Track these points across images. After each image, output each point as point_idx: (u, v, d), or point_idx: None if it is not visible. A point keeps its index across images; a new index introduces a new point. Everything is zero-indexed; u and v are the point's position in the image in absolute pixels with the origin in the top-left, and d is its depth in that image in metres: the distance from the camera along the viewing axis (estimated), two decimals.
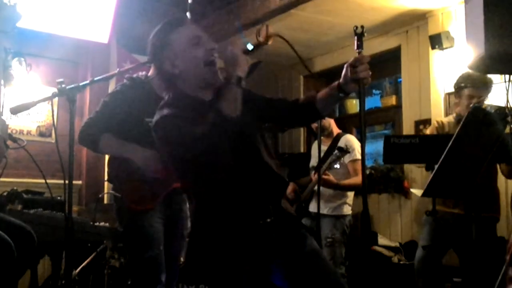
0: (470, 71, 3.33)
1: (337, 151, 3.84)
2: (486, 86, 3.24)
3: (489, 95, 3.29)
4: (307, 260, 1.88)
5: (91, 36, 5.23)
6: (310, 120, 2.44)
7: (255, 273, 1.85)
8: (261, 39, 1.89)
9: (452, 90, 3.52)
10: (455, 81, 3.43)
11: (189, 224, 3.01)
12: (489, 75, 3.22)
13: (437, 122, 3.48)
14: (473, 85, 3.25)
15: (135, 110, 2.65)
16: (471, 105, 3.18)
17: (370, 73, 1.93)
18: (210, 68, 1.90)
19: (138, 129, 2.64)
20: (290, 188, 4.01)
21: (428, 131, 3.58)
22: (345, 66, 1.92)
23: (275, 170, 1.93)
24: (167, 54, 1.94)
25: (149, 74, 2.80)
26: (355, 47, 2.09)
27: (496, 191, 3.25)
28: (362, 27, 2.05)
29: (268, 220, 1.86)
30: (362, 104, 2.02)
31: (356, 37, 2.07)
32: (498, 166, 3.25)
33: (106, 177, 2.75)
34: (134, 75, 2.81)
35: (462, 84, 3.31)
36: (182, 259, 3.63)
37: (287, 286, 1.90)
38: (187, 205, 2.94)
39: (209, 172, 1.84)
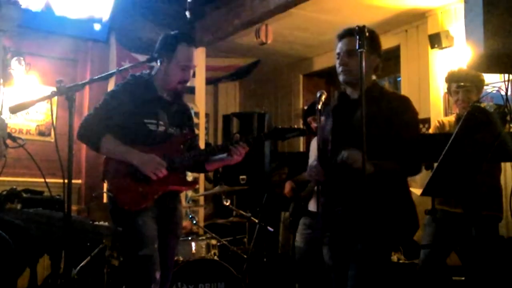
0: (457, 68, 3.38)
1: None
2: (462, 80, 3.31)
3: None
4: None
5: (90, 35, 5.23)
6: None
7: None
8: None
9: None
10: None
11: (183, 223, 3.01)
12: (488, 74, 3.23)
13: (438, 121, 3.49)
14: (456, 80, 3.32)
15: (136, 110, 2.64)
16: (458, 101, 3.27)
17: None
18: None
19: (138, 131, 2.64)
20: (288, 187, 4.01)
21: (430, 131, 3.59)
22: None
23: None
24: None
25: (153, 72, 2.79)
26: (357, 47, 2.09)
27: (498, 189, 3.24)
28: (364, 26, 2.06)
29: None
30: (362, 103, 2.02)
31: (357, 37, 2.07)
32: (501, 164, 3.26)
33: (101, 176, 2.72)
34: (137, 73, 2.79)
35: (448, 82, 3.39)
36: (181, 258, 3.64)
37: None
38: (182, 204, 2.94)
39: None
